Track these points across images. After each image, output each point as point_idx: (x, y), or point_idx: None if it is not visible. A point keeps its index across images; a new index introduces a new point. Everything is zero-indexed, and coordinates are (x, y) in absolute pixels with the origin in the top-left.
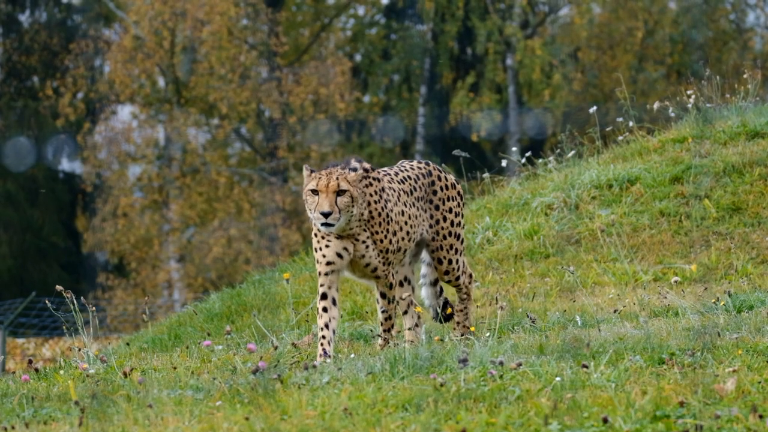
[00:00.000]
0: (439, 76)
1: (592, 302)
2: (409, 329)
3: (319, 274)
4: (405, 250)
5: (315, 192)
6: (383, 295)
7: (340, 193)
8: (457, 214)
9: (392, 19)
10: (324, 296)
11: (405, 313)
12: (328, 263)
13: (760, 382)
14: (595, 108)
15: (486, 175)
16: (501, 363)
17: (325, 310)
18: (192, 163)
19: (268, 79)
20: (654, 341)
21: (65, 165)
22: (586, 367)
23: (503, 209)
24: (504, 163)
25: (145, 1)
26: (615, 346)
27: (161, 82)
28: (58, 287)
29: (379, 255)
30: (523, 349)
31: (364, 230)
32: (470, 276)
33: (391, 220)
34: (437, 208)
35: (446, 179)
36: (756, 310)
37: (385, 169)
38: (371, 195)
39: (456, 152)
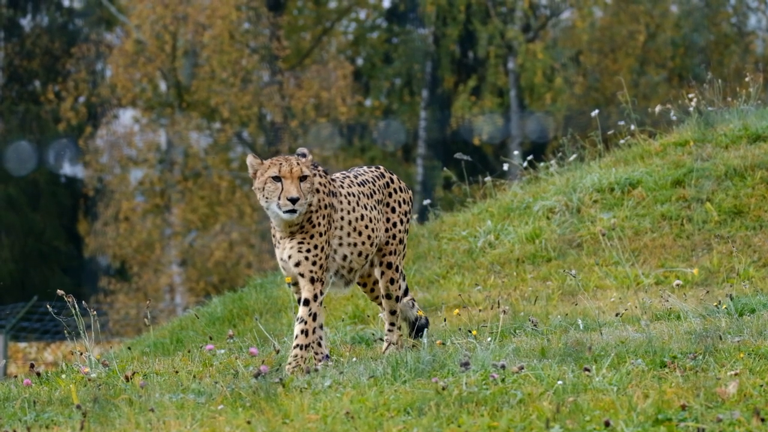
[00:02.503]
0: (441, 80)
1: (594, 306)
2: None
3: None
4: (367, 256)
5: (277, 179)
6: (305, 302)
7: (302, 179)
8: (408, 220)
9: (394, 23)
10: (299, 301)
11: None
12: (284, 269)
13: (762, 386)
14: (596, 111)
15: (488, 178)
16: (503, 366)
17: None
18: (194, 167)
19: (269, 83)
20: (656, 344)
21: (67, 169)
22: (588, 370)
23: (505, 213)
24: (506, 166)
25: (146, 5)
26: (617, 349)
27: (163, 86)
28: (60, 291)
29: (308, 252)
30: (525, 353)
31: (302, 227)
32: (398, 299)
33: (330, 224)
34: (393, 210)
35: (399, 182)
36: (758, 313)
37: (344, 172)
38: (316, 191)
39: (458, 156)
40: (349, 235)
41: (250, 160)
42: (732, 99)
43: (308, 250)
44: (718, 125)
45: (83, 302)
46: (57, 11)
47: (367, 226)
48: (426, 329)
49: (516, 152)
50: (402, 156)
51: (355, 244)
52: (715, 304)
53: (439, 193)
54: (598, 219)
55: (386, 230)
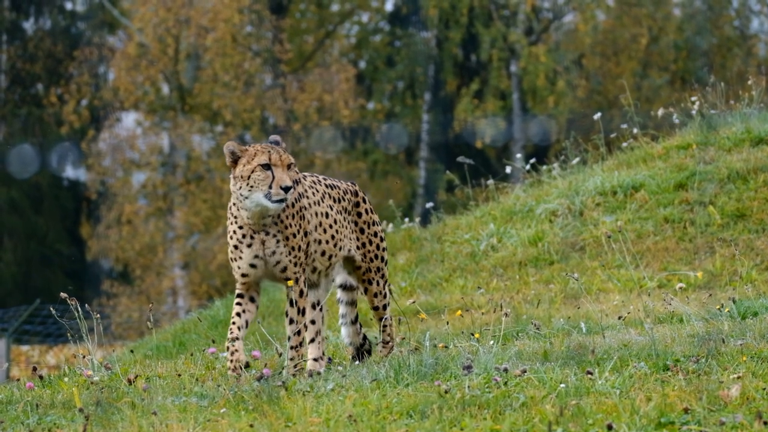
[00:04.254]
0: (443, 83)
1: (597, 309)
2: (314, 360)
3: (236, 279)
4: (331, 257)
5: (267, 167)
6: (292, 303)
7: (289, 166)
8: (382, 239)
9: (396, 26)
10: (240, 296)
11: (312, 341)
12: (243, 275)
13: (764, 389)
14: (599, 114)
15: (490, 181)
16: (505, 370)
17: (238, 314)
18: (196, 170)
19: (272, 86)
20: (658, 348)
21: (69, 172)
22: (591, 373)
23: (508, 216)
24: (508, 169)
25: (149, 8)
26: (619, 352)
27: (165, 89)
28: (63, 294)
29: (290, 253)
30: (528, 356)
31: (275, 223)
32: (386, 305)
33: (303, 217)
34: (362, 231)
35: (369, 203)
36: (760, 316)
37: (308, 173)
38: None
39: (460, 159)
40: (315, 229)
41: (232, 146)
42: (735, 102)
43: (293, 249)
44: (721, 128)
45: (86, 305)
46: (60, 14)
47: (331, 226)
48: (369, 352)
49: (519, 155)
50: (404, 159)
51: (319, 242)
52: (717, 307)
53: (442, 196)
54: (600, 222)
55: (357, 248)
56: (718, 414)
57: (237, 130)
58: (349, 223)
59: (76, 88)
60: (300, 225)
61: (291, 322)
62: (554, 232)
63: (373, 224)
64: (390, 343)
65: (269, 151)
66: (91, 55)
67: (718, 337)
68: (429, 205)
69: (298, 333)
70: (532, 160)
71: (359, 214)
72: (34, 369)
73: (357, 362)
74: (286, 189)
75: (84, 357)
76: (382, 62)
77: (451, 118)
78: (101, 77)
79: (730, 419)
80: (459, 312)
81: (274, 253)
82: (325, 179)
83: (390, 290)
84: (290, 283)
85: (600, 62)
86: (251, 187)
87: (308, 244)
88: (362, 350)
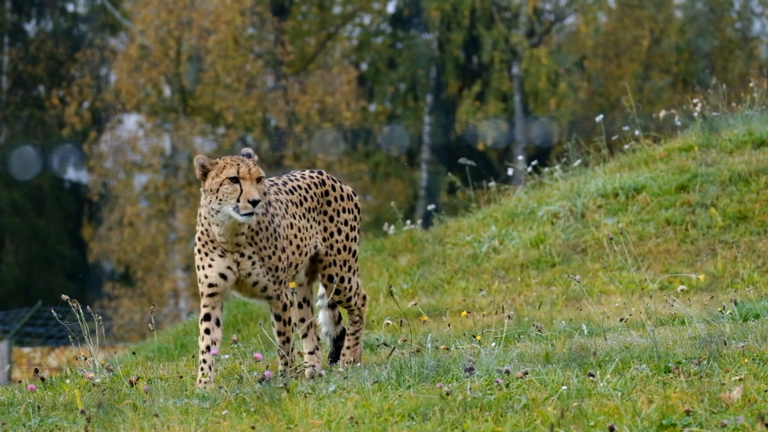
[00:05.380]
0: (445, 85)
1: (599, 311)
2: (310, 353)
3: (202, 294)
4: (297, 265)
5: (235, 180)
6: (278, 317)
7: (259, 180)
8: (353, 228)
9: (398, 28)
10: (207, 317)
11: (304, 336)
12: (211, 285)
13: (766, 391)
14: (601, 117)
15: (492, 183)
16: (507, 372)
17: (207, 331)
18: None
19: (273, 88)
20: (660, 350)
21: (71, 174)
22: (593, 375)
23: (509, 218)
24: (510, 171)
25: (150, 10)
26: (621, 354)
27: (167, 91)
28: (64, 296)
29: (267, 273)
30: (530, 358)
31: (250, 244)
32: (364, 297)
33: (279, 235)
34: (331, 219)
35: (342, 189)
36: (762, 318)
37: (272, 179)
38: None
39: (462, 161)
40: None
41: (202, 159)
42: (736, 104)
43: (271, 270)
44: (723, 130)
45: (87, 307)
46: (61, 16)
47: (296, 236)
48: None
49: (520, 157)
50: (406, 161)
51: (287, 254)
52: (719, 309)
53: (444, 198)
54: (602, 224)
55: (324, 239)
56: (719, 416)
57: (239, 132)
58: (314, 219)
59: (78, 90)
60: (275, 245)
61: (279, 334)
62: (556, 234)
63: (344, 212)
64: (353, 349)
65: (238, 164)
66: (93, 57)
67: (720, 339)
68: (431, 207)
69: (288, 341)
70: (534, 162)
71: (329, 203)
72: (36, 371)
73: (331, 362)
74: (254, 203)
75: (86, 359)
76: (384, 64)
77: (453, 120)
78: (103, 79)
79: (731, 421)
80: (464, 313)
81: (249, 274)
82: (285, 183)
83: (358, 283)
84: (273, 301)
85: (602, 64)
86: (220, 200)
87: (287, 258)
88: (339, 345)
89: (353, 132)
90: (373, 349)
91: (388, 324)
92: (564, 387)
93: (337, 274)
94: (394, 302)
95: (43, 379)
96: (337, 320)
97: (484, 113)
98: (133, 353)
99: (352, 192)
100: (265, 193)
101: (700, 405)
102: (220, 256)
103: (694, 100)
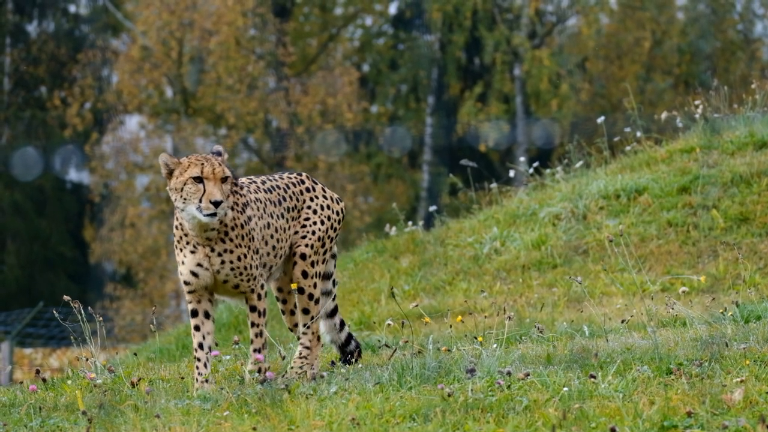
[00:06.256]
0: (447, 86)
1: (600, 312)
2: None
3: (186, 291)
4: (271, 267)
5: (199, 179)
6: (253, 309)
7: (224, 180)
8: (335, 229)
9: (400, 29)
10: (194, 313)
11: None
12: (186, 282)
13: (767, 392)
14: (602, 118)
15: (494, 185)
16: (509, 373)
17: (197, 328)
18: None
19: (275, 89)
20: (662, 351)
21: (73, 175)
22: (594, 377)
23: (511, 219)
24: (512, 173)
25: (152, 11)
26: (623, 356)
27: (169, 92)
28: (66, 297)
29: (238, 273)
30: (531, 360)
31: (222, 240)
32: (317, 301)
33: (253, 238)
34: (315, 212)
35: (324, 191)
36: (764, 320)
37: (252, 177)
38: (234, 204)
39: (463, 162)
40: (259, 242)
41: (165, 158)
42: (738, 106)
43: (243, 270)
44: (724, 132)
45: (89, 308)
46: (63, 17)
47: (272, 236)
48: (358, 355)
49: (522, 159)
50: (408, 162)
51: (261, 255)
52: (721, 311)
53: (445, 199)
54: (604, 226)
55: (303, 226)
56: (721, 418)
57: (240, 133)
58: (292, 219)
59: (80, 91)
60: (249, 246)
61: (253, 325)
62: (557, 235)
63: (328, 208)
64: (306, 358)
65: (202, 164)
66: (95, 58)
67: (721, 340)
68: (432, 208)
69: (261, 335)
70: (536, 164)
71: (311, 198)
72: (38, 372)
73: (342, 366)
74: (216, 203)
75: (87, 360)
76: (386, 65)
77: (455, 121)
78: (105, 80)
79: (733, 423)
80: (459, 318)
81: (219, 272)
82: (264, 183)
83: (317, 299)
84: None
85: (603, 66)
86: (184, 199)
87: (260, 257)
88: (347, 350)
89: (355, 133)
90: (374, 350)
91: (389, 325)
92: (565, 388)
93: (308, 255)
94: (396, 303)
95: (44, 380)
96: (340, 327)
97: (485, 114)
98: (135, 354)
99: (338, 198)
100: (234, 193)
101: (701, 406)
102: (192, 252)
103: (696, 102)
